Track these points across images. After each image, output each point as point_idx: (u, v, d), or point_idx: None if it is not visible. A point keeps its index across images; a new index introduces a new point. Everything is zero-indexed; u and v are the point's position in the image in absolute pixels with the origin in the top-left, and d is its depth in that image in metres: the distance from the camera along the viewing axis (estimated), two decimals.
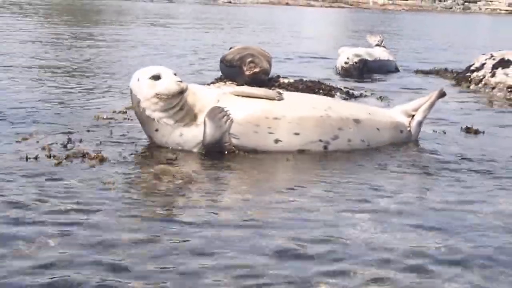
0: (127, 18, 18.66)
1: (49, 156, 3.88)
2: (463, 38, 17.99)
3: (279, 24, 20.05)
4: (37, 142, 4.22)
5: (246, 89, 4.49)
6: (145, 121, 4.15)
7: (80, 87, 6.76)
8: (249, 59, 5.88)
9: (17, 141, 4.23)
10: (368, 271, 2.56)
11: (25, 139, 4.26)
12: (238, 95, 4.26)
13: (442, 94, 4.88)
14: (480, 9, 36.22)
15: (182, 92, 4.02)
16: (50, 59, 8.79)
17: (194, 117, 4.13)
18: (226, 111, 4.09)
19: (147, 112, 4.08)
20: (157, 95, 4.01)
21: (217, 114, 4.09)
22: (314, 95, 4.94)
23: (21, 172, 3.59)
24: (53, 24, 14.98)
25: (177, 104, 4.08)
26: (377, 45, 9.47)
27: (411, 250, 2.79)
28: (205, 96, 4.23)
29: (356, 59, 8.47)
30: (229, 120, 4.08)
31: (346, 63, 8.38)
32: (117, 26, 15.22)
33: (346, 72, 8.35)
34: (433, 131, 5.06)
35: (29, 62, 8.31)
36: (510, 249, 2.88)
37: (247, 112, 4.16)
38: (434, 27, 22.66)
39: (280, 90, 4.48)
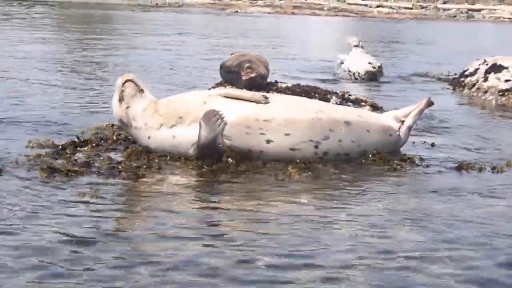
0: (137, 26, 19.01)
1: (48, 172, 3.97)
2: (465, 45, 18.18)
3: (283, 32, 20.35)
4: (38, 147, 4.45)
5: (233, 91, 4.67)
6: (135, 134, 4.40)
7: (89, 93, 7.04)
8: (247, 65, 6.15)
9: (26, 146, 4.46)
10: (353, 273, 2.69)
11: (31, 146, 4.47)
12: (225, 97, 4.43)
13: (430, 103, 5.04)
14: (484, 17, 36.33)
15: (128, 80, 4.34)
16: (64, 65, 9.12)
17: (180, 119, 4.31)
18: (220, 114, 4.27)
19: (133, 124, 4.36)
20: (119, 101, 4.36)
21: (212, 117, 4.26)
22: (306, 98, 5.15)
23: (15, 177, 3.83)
24: (68, 32, 15.36)
25: (148, 108, 4.34)
26: (355, 45, 9.75)
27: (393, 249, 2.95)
28: (188, 99, 4.44)
29: (378, 63, 8.99)
30: (223, 123, 4.26)
31: (374, 67, 8.89)
32: (127, 34, 15.57)
33: (373, 76, 8.78)
34: (418, 141, 5.20)
35: (44, 69, 8.63)
36: (486, 244, 3.07)
37: (238, 114, 4.33)
38: (437, 35, 22.87)
39: (267, 94, 4.62)
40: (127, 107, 4.32)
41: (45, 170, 3.89)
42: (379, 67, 8.97)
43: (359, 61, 9.00)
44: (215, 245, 2.94)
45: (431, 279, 2.68)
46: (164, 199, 3.59)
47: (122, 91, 4.32)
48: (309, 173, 4.19)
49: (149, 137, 4.32)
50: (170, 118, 4.30)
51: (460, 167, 4.48)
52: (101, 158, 4.28)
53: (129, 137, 4.61)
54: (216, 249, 2.90)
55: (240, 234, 3.10)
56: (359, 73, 8.82)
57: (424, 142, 5.17)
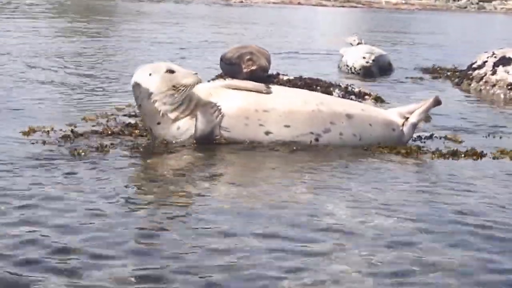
0: (140, 17, 18.91)
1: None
2: (475, 37, 17.92)
3: (288, 23, 20.16)
4: (41, 134, 4.45)
5: (236, 82, 4.66)
6: (150, 114, 4.27)
7: (90, 82, 6.96)
8: (247, 57, 6.05)
9: (23, 133, 4.44)
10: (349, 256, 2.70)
11: (32, 131, 4.47)
12: (228, 88, 4.41)
13: (437, 102, 4.91)
14: (496, 8, 35.83)
15: (197, 83, 4.23)
16: (65, 54, 9.04)
17: (191, 112, 4.29)
18: (218, 107, 4.25)
19: (157, 105, 4.22)
20: (174, 87, 4.19)
21: (209, 109, 4.25)
22: (307, 91, 5.07)
23: (21, 161, 3.83)
24: (69, 21, 15.28)
25: (185, 100, 4.26)
26: (359, 43, 9.50)
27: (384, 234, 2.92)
28: (199, 91, 4.39)
29: (373, 57, 8.59)
30: (220, 115, 4.24)
31: (367, 62, 8.48)
32: (130, 24, 15.45)
33: (367, 71, 8.42)
34: (423, 133, 5.12)
35: (45, 57, 8.56)
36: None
37: (238, 105, 4.31)
38: (447, 27, 22.57)
39: (269, 85, 4.63)
40: (171, 94, 4.19)
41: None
42: (373, 60, 8.56)
43: (356, 56, 8.70)
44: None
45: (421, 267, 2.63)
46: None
47: (186, 87, 4.16)
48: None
49: (159, 123, 4.25)
50: (186, 109, 4.27)
51: (457, 155, 4.43)
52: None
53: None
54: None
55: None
56: (355, 68, 8.56)
57: (424, 136, 5.05)
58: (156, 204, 3.24)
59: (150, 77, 4.21)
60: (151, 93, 4.19)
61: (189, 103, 4.27)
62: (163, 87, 4.18)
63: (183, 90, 4.18)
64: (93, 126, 4.74)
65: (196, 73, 4.27)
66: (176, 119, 4.25)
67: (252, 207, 3.23)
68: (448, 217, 3.21)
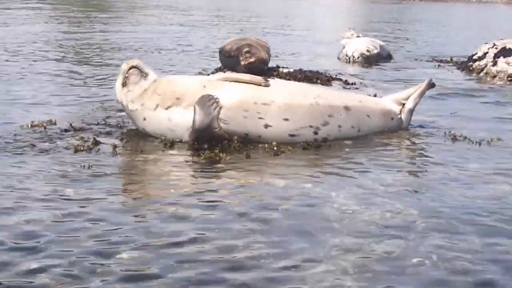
0: (140, 9, 18.84)
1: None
2: (477, 28, 17.83)
3: (289, 15, 20.07)
4: (37, 127, 4.46)
5: (233, 74, 4.65)
6: (132, 115, 4.44)
7: (89, 76, 6.95)
8: (246, 49, 6.03)
9: (21, 126, 4.45)
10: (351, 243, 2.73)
11: (28, 126, 4.48)
12: (225, 81, 4.39)
13: (431, 85, 4.98)
14: None
15: (133, 67, 4.39)
16: (62, 47, 9.02)
17: (176, 101, 4.28)
18: (215, 98, 4.23)
19: (130, 106, 4.40)
20: (122, 85, 4.41)
21: (207, 101, 4.22)
22: (305, 84, 5.05)
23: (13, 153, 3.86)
24: (69, 12, 15.24)
25: (148, 89, 4.35)
26: (357, 36, 9.62)
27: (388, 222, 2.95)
28: (187, 82, 4.42)
29: (375, 51, 8.84)
30: (218, 107, 4.22)
31: (368, 51, 8.79)
32: (130, 17, 15.41)
33: (366, 60, 8.68)
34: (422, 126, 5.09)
35: (43, 50, 8.55)
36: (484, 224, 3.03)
37: (236, 97, 4.29)
38: (448, 17, 22.46)
39: (268, 78, 4.59)
40: (128, 91, 4.35)
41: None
42: (375, 52, 8.81)
43: (357, 45, 8.90)
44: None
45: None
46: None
47: (126, 77, 4.35)
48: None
49: (144, 119, 4.33)
50: (167, 99, 4.28)
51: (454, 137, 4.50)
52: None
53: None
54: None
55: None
56: (353, 56, 8.74)
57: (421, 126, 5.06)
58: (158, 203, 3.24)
59: (115, 90, 4.53)
60: (121, 101, 4.47)
61: (165, 94, 4.27)
62: (120, 89, 4.44)
63: (129, 82, 4.37)
64: (97, 120, 4.75)
65: (126, 60, 4.52)
66: (159, 110, 4.27)
67: (257, 200, 3.24)
68: (452, 205, 3.22)
